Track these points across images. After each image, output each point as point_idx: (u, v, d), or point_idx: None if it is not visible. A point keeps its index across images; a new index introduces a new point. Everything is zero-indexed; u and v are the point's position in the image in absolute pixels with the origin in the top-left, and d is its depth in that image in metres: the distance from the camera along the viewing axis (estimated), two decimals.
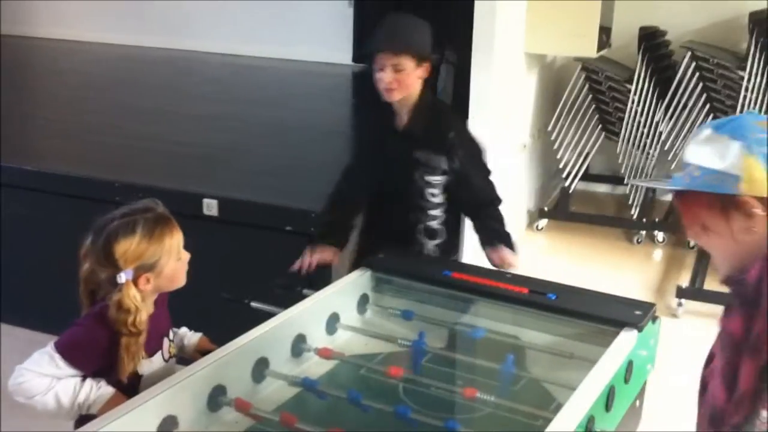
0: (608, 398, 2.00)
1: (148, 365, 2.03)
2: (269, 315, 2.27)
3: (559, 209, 5.50)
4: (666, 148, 5.25)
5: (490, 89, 4.33)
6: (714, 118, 5.09)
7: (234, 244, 3.65)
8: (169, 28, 7.69)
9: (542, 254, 5.14)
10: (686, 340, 3.72)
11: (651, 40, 5.24)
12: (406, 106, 2.68)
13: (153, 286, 1.97)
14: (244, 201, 3.66)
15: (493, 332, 2.37)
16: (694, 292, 4.28)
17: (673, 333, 3.48)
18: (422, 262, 2.66)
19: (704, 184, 1.39)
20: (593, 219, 5.48)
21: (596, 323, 2.25)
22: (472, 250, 4.25)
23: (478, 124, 4.33)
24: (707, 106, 5.11)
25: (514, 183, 5.07)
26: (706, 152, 1.41)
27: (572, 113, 5.37)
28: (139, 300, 1.93)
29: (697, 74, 5.05)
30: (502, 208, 2.79)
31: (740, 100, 4.88)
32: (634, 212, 5.24)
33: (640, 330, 2.18)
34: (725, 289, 1.48)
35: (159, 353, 2.07)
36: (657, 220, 5.27)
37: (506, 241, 2.69)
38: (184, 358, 2.18)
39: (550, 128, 5.41)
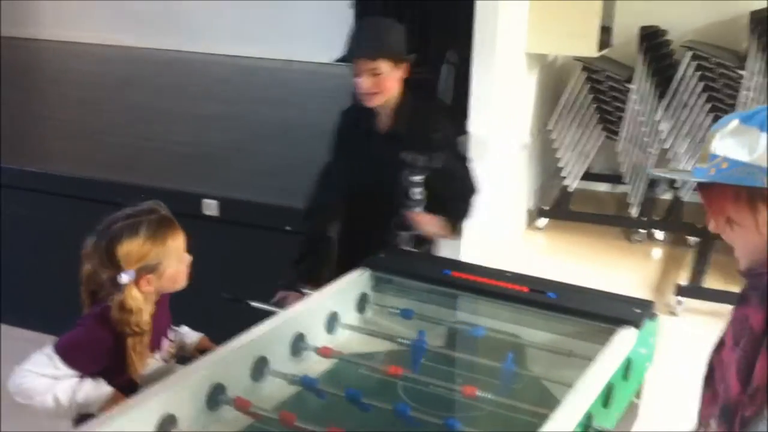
0: (607, 396, 2.00)
1: (147, 365, 2.03)
2: (269, 314, 2.27)
3: (559, 208, 5.50)
4: (666, 146, 5.25)
5: (491, 89, 4.34)
6: (715, 117, 5.09)
7: (234, 244, 3.65)
8: (169, 29, 7.69)
9: (542, 253, 5.15)
10: (685, 338, 3.74)
11: (651, 39, 5.24)
12: (388, 108, 2.68)
13: (154, 287, 1.98)
14: (244, 201, 3.67)
15: (493, 331, 2.37)
16: (693, 291, 4.29)
17: (672, 331, 3.49)
18: (422, 261, 2.66)
19: (732, 176, 1.36)
20: (593, 218, 5.48)
21: (596, 321, 2.25)
22: (471, 249, 4.26)
23: (478, 124, 4.35)
24: (708, 106, 5.12)
25: (514, 182, 5.08)
26: (734, 144, 1.37)
27: (573, 112, 5.37)
28: (141, 300, 1.94)
29: (698, 73, 5.06)
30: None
31: (741, 99, 4.88)
32: (634, 211, 5.25)
33: (639, 328, 2.18)
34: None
35: (158, 353, 2.08)
36: (656, 218, 5.27)
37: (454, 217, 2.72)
38: (184, 356, 2.19)
39: (550, 127, 5.41)
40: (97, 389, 1.93)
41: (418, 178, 2.65)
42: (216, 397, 1.96)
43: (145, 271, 1.94)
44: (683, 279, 4.43)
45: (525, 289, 2.39)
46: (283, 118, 5.47)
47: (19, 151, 4.42)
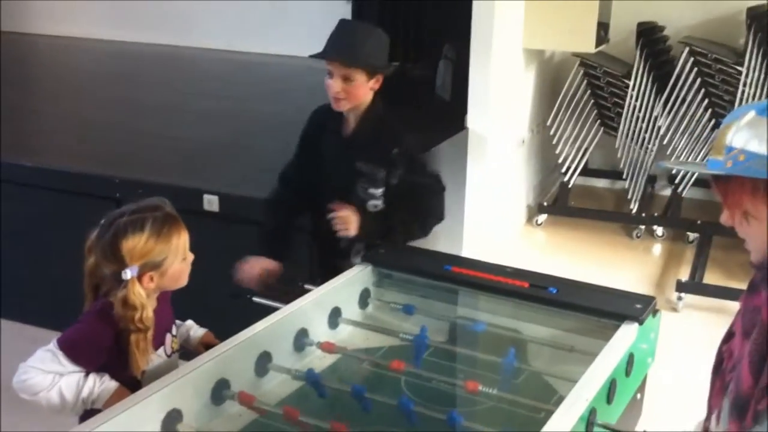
0: (609, 391, 2.01)
1: (151, 360, 2.04)
2: (271, 310, 2.28)
3: (558, 204, 5.51)
4: (665, 142, 5.26)
5: (489, 85, 4.35)
6: (712, 113, 5.11)
7: (235, 239, 3.65)
8: (168, 25, 7.67)
9: (541, 249, 5.16)
10: (686, 334, 3.76)
11: (649, 35, 5.25)
12: (355, 113, 2.65)
13: (156, 284, 1.97)
14: (245, 197, 3.66)
15: (494, 326, 2.38)
16: (693, 286, 4.30)
17: (673, 327, 3.50)
18: (423, 257, 2.67)
19: (750, 168, 1.34)
20: (592, 214, 5.50)
21: (597, 317, 2.26)
22: (471, 246, 4.27)
23: (477, 120, 4.36)
24: (705, 101, 5.13)
25: (513, 178, 5.09)
26: (751, 136, 1.35)
27: (571, 108, 5.38)
28: (144, 297, 1.94)
29: (696, 69, 5.07)
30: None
31: (738, 95, 4.90)
32: (634, 207, 5.26)
33: (640, 323, 2.19)
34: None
35: (162, 348, 2.08)
36: (656, 214, 5.28)
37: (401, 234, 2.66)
38: (188, 351, 2.19)
39: (548, 123, 5.42)
40: (101, 384, 1.94)
41: (376, 191, 2.61)
42: (220, 392, 1.97)
43: (148, 267, 1.94)
44: (683, 275, 4.43)
45: (526, 285, 2.40)
46: (283, 114, 5.46)
47: (19, 146, 4.42)
